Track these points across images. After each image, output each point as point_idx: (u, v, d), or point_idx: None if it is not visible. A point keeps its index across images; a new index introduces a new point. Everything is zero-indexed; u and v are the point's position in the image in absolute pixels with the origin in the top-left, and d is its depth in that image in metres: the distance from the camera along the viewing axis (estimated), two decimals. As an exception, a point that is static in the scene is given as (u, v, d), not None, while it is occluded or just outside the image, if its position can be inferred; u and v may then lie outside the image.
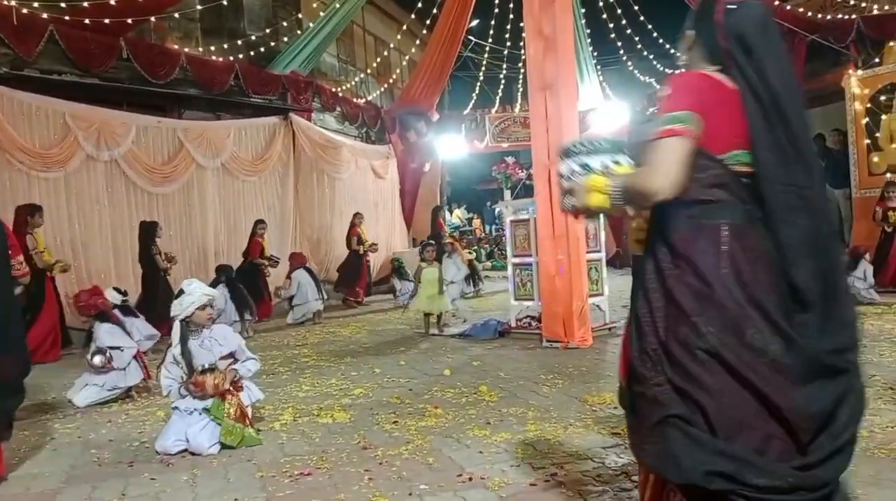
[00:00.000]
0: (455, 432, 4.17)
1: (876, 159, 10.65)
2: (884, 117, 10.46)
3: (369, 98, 14.57)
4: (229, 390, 4.12)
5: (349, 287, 12.01)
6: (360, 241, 11.91)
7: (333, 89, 13.25)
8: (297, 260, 10.21)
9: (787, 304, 1.94)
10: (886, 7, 10.30)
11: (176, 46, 10.24)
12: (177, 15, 10.30)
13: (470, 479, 3.35)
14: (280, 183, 11.95)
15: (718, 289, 1.93)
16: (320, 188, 12.80)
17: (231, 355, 4.25)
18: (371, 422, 4.49)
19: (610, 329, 7.69)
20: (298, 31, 12.12)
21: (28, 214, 7.64)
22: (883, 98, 10.46)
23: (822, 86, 11.38)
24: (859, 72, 10.76)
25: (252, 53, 11.08)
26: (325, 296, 10.43)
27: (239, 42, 10.92)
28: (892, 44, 10.58)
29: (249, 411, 4.23)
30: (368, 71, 14.66)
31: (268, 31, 11.46)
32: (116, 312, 6.08)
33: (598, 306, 7.73)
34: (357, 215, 12.12)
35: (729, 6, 2.06)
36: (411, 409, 4.77)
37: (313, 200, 12.60)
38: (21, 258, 4.31)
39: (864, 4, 10.53)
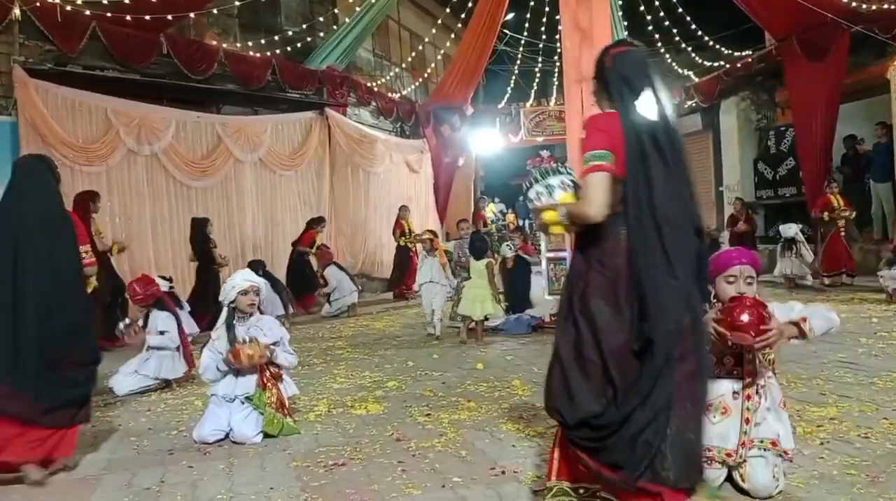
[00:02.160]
0: (488, 425, 4.17)
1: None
2: (930, 110, 10.14)
3: (404, 92, 14.61)
4: (269, 372, 4.17)
5: (399, 281, 12.06)
6: (404, 234, 11.91)
7: (368, 84, 13.31)
8: (325, 257, 10.34)
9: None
10: (935, -4, 9.97)
11: (214, 42, 10.38)
12: (215, 11, 10.44)
13: (503, 473, 3.35)
14: (316, 177, 12.06)
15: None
16: (355, 182, 12.88)
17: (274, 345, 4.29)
18: (404, 414, 4.51)
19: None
20: (334, 27, 12.19)
21: (90, 200, 7.76)
22: (929, 91, 10.14)
23: (867, 78, 11.08)
24: (904, 64, 10.44)
25: (289, 49, 11.17)
26: (360, 287, 10.54)
27: (276, 38, 11.03)
28: (940, 35, 10.25)
29: (287, 401, 4.28)
30: (403, 65, 14.68)
31: (304, 26, 11.54)
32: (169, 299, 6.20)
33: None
34: (403, 208, 12.18)
35: (615, 54, 2.59)
36: (444, 402, 4.79)
37: (348, 194, 12.69)
38: (88, 247, 4.37)
39: (911, -7, 10.19)
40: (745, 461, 2.77)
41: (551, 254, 7.90)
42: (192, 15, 9.91)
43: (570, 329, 2.56)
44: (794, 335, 2.71)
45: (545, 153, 8.34)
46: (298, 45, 11.34)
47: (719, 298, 2.82)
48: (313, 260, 10.44)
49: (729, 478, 2.86)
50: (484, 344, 7.14)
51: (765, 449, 2.77)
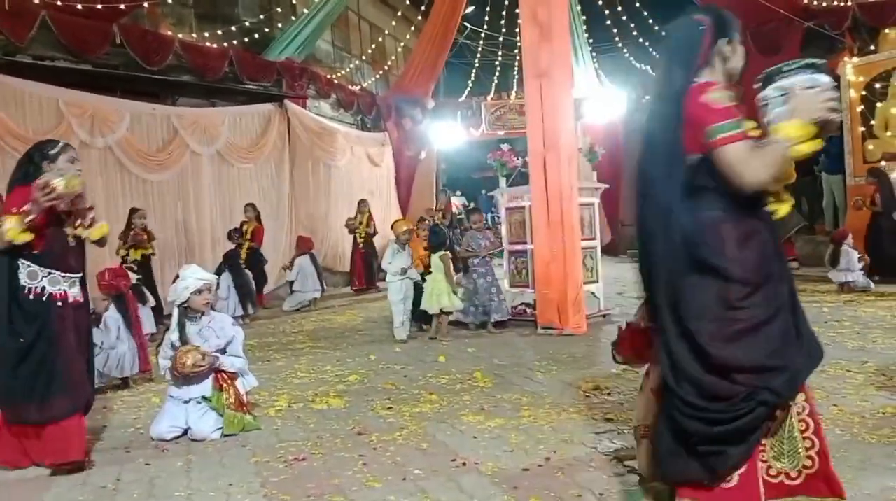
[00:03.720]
0: (449, 418, 4.19)
1: (871, 147, 10.67)
2: (879, 105, 10.47)
3: (364, 85, 14.52)
4: (225, 373, 4.13)
5: (364, 274, 11.97)
6: (358, 227, 11.81)
7: (328, 76, 13.19)
8: (303, 245, 10.22)
9: None
10: (882, -6, 10.29)
11: (170, 32, 10.17)
12: (170, 0, 10.23)
13: (464, 464, 3.38)
14: (275, 170, 11.92)
15: None
16: (315, 175, 12.77)
17: (225, 348, 4.22)
18: (366, 408, 4.51)
19: (604, 316, 7.72)
20: (293, 18, 12.04)
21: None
22: (878, 86, 10.47)
23: (818, 73, 11.36)
24: (855, 59, 10.76)
25: (246, 40, 11.01)
26: (324, 287, 10.45)
27: (233, 28, 10.85)
28: (887, 31, 10.58)
29: (245, 398, 4.24)
30: (364, 58, 14.58)
31: (262, 17, 11.38)
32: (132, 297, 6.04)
33: (592, 293, 7.77)
34: (362, 201, 12.06)
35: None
36: (406, 395, 4.80)
37: (308, 188, 12.57)
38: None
39: (860, -9, 10.51)
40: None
41: (512, 247, 7.94)
42: (146, 4, 9.68)
43: None
44: None
45: (505, 147, 8.41)
46: (256, 35, 11.18)
47: None
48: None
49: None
50: (447, 337, 7.12)
51: None
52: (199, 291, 4.16)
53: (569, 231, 7.06)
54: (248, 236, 9.82)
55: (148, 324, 6.85)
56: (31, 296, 3.50)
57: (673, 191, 2.28)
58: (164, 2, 10.15)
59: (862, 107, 10.59)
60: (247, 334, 5.55)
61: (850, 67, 10.69)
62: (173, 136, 10.18)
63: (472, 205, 24.62)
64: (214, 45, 10.57)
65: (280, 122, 11.90)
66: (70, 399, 3.57)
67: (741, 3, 10.58)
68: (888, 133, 10.46)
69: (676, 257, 2.28)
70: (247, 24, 11.14)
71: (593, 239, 7.91)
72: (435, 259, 7.19)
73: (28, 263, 3.51)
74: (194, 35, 10.72)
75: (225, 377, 4.14)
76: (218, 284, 5.99)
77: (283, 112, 11.91)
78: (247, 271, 9.04)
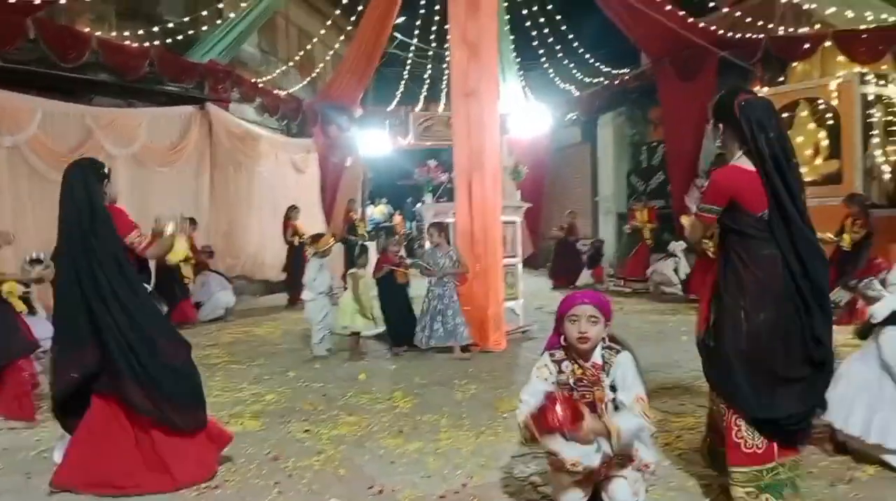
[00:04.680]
0: (368, 441, 4.18)
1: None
2: (785, 133, 11.07)
3: (291, 90, 14.30)
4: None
5: (293, 285, 11.69)
6: (296, 234, 11.54)
7: (253, 80, 12.94)
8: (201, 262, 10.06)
9: None
10: (791, 29, 10.85)
11: (87, 29, 9.76)
12: (88, -3, 9.83)
13: (381, 491, 3.38)
14: (195, 175, 11.58)
15: None
16: (237, 181, 12.49)
17: None
18: (283, 431, 4.45)
19: (524, 332, 7.86)
20: (218, 21, 11.76)
21: None
22: (785, 115, 11.03)
23: (731, 100, 11.95)
24: (764, 89, 11.30)
25: (169, 41, 10.68)
26: (233, 286, 10.26)
27: (155, 29, 10.51)
28: (795, 65, 11.19)
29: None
30: (291, 63, 14.36)
31: (186, 19, 11.06)
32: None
33: (512, 310, 7.90)
34: (292, 208, 11.78)
35: (743, 101, 2.96)
36: (325, 416, 4.76)
37: (229, 194, 12.28)
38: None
39: (770, 26, 11.05)
40: (608, 478, 2.91)
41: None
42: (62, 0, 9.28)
43: None
44: (603, 434, 2.76)
45: (432, 163, 8.47)
46: (180, 37, 10.87)
47: (565, 337, 2.96)
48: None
49: (597, 496, 2.99)
50: (359, 357, 6.88)
51: (623, 466, 2.92)
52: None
53: (492, 249, 7.17)
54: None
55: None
56: None
57: None
58: (82, -3, 9.75)
59: (770, 135, 11.16)
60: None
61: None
62: (87, 137, 9.74)
63: (396, 211, 24.63)
64: (135, 44, 10.21)
65: (201, 126, 11.58)
66: None
67: (662, 30, 11.05)
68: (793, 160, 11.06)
69: None
70: (170, 24, 10.79)
71: (515, 256, 8.05)
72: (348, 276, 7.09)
73: None
74: (114, 33, 10.33)
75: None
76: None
77: (205, 115, 11.59)
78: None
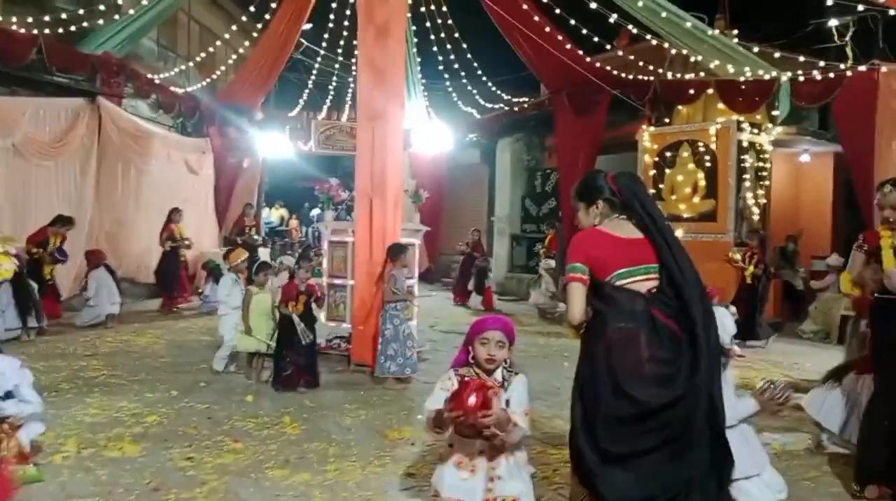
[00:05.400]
0: (253, 471, 4.16)
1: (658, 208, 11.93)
2: (668, 171, 11.76)
3: (190, 89, 13.84)
4: (6, 424, 3.79)
5: (168, 291, 11.26)
6: (171, 238, 11.14)
7: (149, 75, 12.44)
8: (95, 258, 9.51)
9: None
10: (679, 75, 11.57)
11: (-32, 10, 9.14)
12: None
13: (265, 527, 3.38)
14: (79, 170, 10.98)
15: None
16: (125, 179, 11.97)
17: (9, 394, 3.85)
18: (164, 458, 4.33)
19: (418, 353, 7.94)
20: (116, 17, 11.24)
21: None
22: (668, 154, 11.75)
23: (620, 135, 12.61)
24: (651, 128, 12.00)
25: (60, 31, 10.13)
26: (121, 301, 9.78)
27: (47, 18, 9.94)
28: (681, 107, 11.95)
29: (28, 447, 3.90)
30: (192, 63, 13.89)
31: (81, 11, 10.52)
32: None
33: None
34: (175, 211, 11.33)
35: (615, 177, 3.16)
36: (209, 442, 4.67)
37: (116, 191, 11.75)
38: None
39: (660, 70, 11.75)
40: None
41: (332, 281, 7.96)
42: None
43: None
44: (505, 424, 2.91)
45: (334, 181, 8.46)
46: (73, 28, 10.33)
47: (474, 355, 3.13)
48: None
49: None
50: (252, 377, 6.63)
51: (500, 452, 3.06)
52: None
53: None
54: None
55: None
56: None
57: None
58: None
59: (654, 171, 11.84)
60: (32, 355, 5.02)
61: (647, 135, 11.91)
62: (-39, 125, 9.12)
63: (292, 216, 24.16)
64: (22, 30, 9.62)
65: (90, 119, 11.02)
66: None
67: (559, 66, 11.54)
68: (673, 197, 11.77)
69: None
70: (63, 15, 10.23)
71: (412, 277, 8.14)
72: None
73: None
74: (0, 17, 9.70)
75: (6, 428, 3.76)
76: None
77: (95, 108, 11.05)
78: (31, 282, 8.29)
